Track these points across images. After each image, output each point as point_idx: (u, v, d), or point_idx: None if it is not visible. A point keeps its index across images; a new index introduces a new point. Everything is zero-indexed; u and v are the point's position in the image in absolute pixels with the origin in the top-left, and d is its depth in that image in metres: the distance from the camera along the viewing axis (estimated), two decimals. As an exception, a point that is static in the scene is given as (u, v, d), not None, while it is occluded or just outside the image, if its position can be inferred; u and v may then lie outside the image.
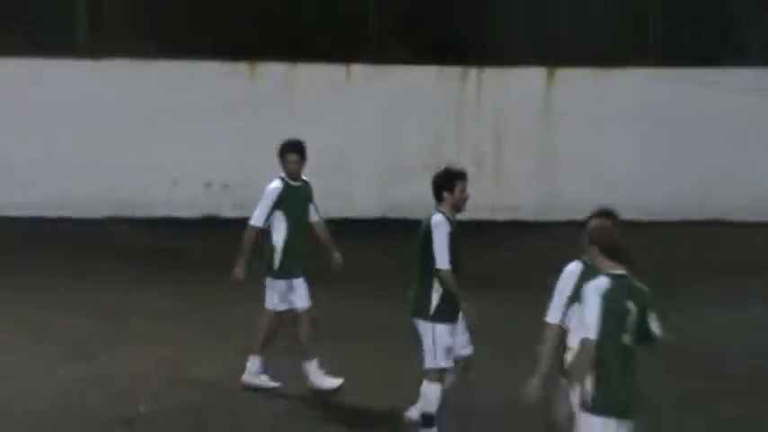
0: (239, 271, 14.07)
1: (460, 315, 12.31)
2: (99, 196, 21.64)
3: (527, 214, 20.25)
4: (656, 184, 22.04)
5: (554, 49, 23.45)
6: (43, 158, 21.74)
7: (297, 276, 14.12)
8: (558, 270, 11.28)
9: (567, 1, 24.11)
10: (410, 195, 20.27)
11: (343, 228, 14.99)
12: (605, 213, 10.16)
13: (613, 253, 9.35)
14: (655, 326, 9.49)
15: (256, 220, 14.15)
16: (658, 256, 16.40)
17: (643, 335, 9.38)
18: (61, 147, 21.81)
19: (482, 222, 20.21)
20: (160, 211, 21.73)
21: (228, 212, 21.92)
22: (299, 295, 14.12)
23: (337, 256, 14.33)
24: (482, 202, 20.03)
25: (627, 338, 9.25)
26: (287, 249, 14.14)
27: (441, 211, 12.15)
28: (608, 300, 9.10)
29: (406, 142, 21.39)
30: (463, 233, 13.56)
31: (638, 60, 23.80)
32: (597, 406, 9.09)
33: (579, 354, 9.22)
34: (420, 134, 22.08)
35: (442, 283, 12.06)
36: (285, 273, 14.10)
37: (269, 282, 14.16)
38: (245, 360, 14.65)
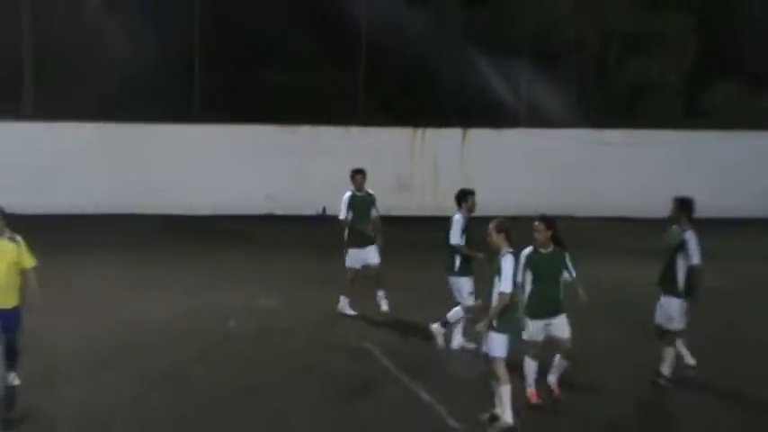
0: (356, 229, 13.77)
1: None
2: (204, 203, 21.70)
3: (451, 213, 19.75)
4: (528, 194, 21.00)
5: (466, 117, 23.28)
6: (177, 182, 21.72)
7: (365, 246, 13.74)
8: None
9: (476, 89, 23.65)
10: (386, 205, 19.45)
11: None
12: (543, 217, 9.97)
13: (510, 238, 9.39)
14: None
15: (341, 215, 13.83)
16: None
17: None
18: (188, 176, 21.75)
19: (428, 218, 19.93)
20: (239, 211, 21.55)
21: (279, 212, 22.01)
22: (371, 256, 13.74)
23: (379, 239, 13.91)
24: (426, 207, 21.50)
25: (519, 291, 9.52)
26: (353, 231, 13.75)
27: (460, 213, 11.86)
28: (514, 267, 9.25)
29: (381, 172, 19.94)
30: (419, 223, 13.87)
31: (514, 123, 23.87)
32: (499, 327, 9.23)
33: (500, 301, 9.18)
34: (390, 168, 21.74)
35: (459, 252, 11.82)
36: (356, 245, 13.77)
37: (348, 251, 13.82)
38: (292, 296, 14.80)
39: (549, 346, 10.09)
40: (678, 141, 23.22)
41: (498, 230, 9.36)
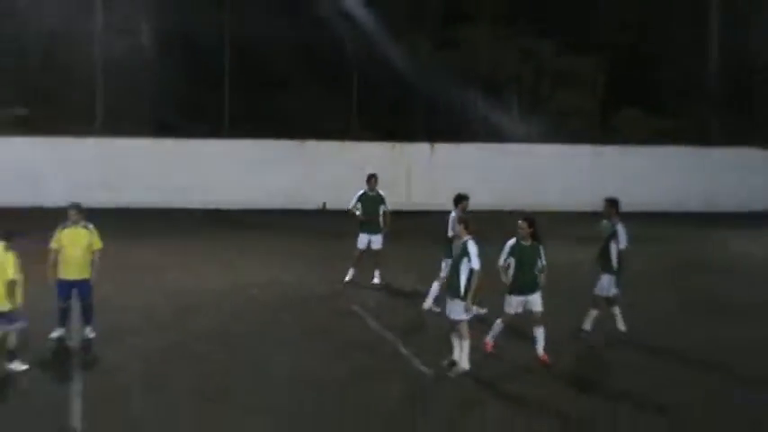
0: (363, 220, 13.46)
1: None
2: (232, 199, 21.53)
3: (422, 206, 19.98)
4: (481, 194, 19.68)
5: (434, 134, 23.14)
6: (213, 183, 21.71)
7: (373, 234, 13.46)
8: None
9: (442, 112, 23.69)
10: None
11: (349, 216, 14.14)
12: (526, 218, 9.76)
13: (468, 228, 9.33)
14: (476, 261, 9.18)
15: (350, 205, 13.53)
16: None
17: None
18: (221, 179, 21.72)
19: (403, 212, 19.27)
20: (260, 206, 21.35)
21: (291, 206, 21.55)
22: (375, 242, 13.45)
23: (386, 229, 13.58)
24: (402, 204, 20.56)
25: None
26: (363, 222, 13.48)
27: (455, 212, 11.42)
28: (478, 249, 9.14)
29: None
30: (396, 217, 13.78)
31: (471, 139, 23.31)
32: (465, 297, 9.16)
33: (476, 278, 9.07)
34: (382, 174, 21.32)
35: (454, 241, 11.27)
36: (364, 231, 13.47)
37: (359, 235, 13.55)
38: (301, 270, 14.65)
39: (527, 318, 9.93)
40: (593, 153, 23.30)
41: (460, 222, 9.36)
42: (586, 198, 19.19)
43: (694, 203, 23.10)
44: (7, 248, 9.03)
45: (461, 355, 9.37)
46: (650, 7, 25.11)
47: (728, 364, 10.21)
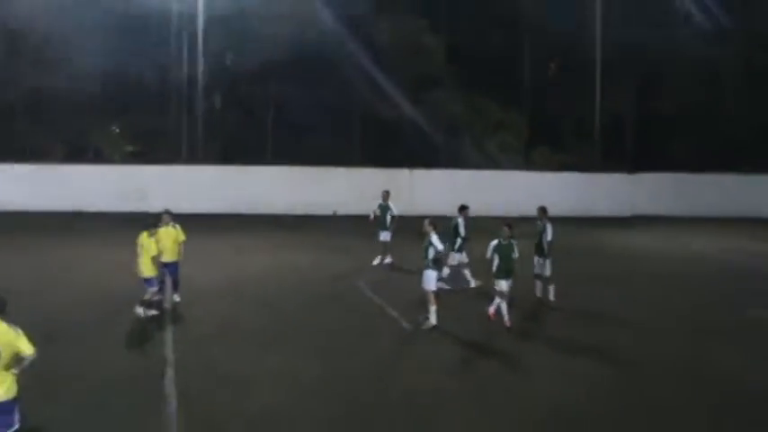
0: (372, 222, 13.21)
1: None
2: (274, 207, 21.17)
3: (403, 213, 15.68)
4: (445, 204, 18.08)
5: (411, 161, 22.73)
6: (260, 196, 21.35)
7: (383, 231, 13.04)
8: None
9: (419, 146, 23.48)
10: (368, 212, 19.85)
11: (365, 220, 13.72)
12: (508, 224, 9.30)
13: (435, 228, 9.18)
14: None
15: (372, 212, 13.28)
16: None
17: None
18: (266, 193, 21.40)
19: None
20: (292, 212, 20.93)
21: (313, 212, 21.28)
22: (385, 236, 13.10)
23: (392, 227, 13.00)
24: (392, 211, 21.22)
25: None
26: (378, 221, 13.19)
27: (461, 218, 10.98)
28: (439, 239, 8.98)
29: (369, 192, 19.25)
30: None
31: (439, 166, 23.23)
32: (432, 268, 8.95)
33: (438, 253, 8.85)
34: (375, 191, 19.95)
35: (465, 238, 10.97)
36: (379, 229, 13.18)
37: (378, 232, 13.22)
38: (318, 256, 14.34)
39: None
40: (522, 178, 23.22)
41: (429, 224, 9.29)
42: (521, 206, 19.26)
43: (584, 211, 23.18)
44: (149, 236, 9.51)
45: (431, 315, 9.26)
46: (556, 78, 25.39)
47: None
